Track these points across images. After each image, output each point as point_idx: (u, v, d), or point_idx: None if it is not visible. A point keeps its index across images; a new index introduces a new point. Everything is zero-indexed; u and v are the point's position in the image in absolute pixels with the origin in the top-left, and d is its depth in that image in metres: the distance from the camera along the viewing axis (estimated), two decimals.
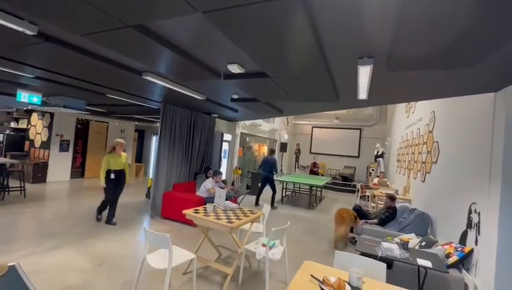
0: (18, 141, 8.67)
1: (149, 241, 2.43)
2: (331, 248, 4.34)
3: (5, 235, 3.76)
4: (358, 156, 13.51)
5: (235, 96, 4.33)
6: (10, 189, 5.83)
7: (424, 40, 1.74)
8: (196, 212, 3.13)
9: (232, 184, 8.16)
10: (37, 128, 8.44)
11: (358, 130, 13.56)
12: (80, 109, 5.42)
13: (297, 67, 2.49)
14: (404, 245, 2.62)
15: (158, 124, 5.59)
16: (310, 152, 14.42)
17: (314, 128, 14.60)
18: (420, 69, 2.25)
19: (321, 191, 9.38)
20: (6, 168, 5.80)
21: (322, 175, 12.35)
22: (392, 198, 4.73)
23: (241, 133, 8.70)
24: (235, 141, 8.26)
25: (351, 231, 4.99)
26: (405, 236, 3.68)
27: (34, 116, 8.49)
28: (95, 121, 9.29)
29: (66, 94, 5.15)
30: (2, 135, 8.65)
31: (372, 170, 10.82)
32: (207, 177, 5.64)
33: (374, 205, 7.11)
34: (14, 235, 3.79)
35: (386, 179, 8.60)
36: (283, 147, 12.80)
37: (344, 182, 11.82)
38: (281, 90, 3.34)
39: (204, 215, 3.04)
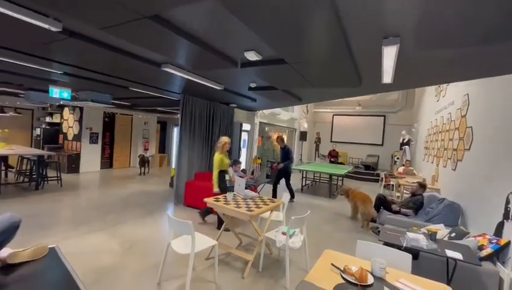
0: (53, 134, 9.33)
1: (173, 228, 2.53)
2: (352, 237, 4.27)
3: (45, 220, 4.11)
4: (382, 144, 12.96)
5: (252, 85, 4.28)
6: (48, 179, 6.33)
7: (456, 11, 1.57)
8: (217, 201, 3.20)
9: (252, 173, 8.19)
10: (69, 122, 9.01)
11: (382, 117, 12.95)
12: (106, 102, 5.69)
13: (317, 51, 2.39)
14: (431, 236, 2.49)
15: (179, 115, 5.70)
16: (331, 141, 14.07)
17: (335, 116, 14.17)
18: (453, 46, 2.06)
19: (342, 180, 9.18)
20: (45, 159, 6.28)
21: (343, 164, 12.05)
22: (422, 186, 4.55)
23: (259, 122, 8.65)
24: (254, 131, 8.24)
25: (374, 221, 4.87)
26: (433, 227, 3.50)
27: (66, 110, 9.05)
28: (120, 114, 9.72)
29: (93, 89, 5.42)
30: (39, 129, 9.34)
31: (397, 158, 10.35)
32: None
33: (398, 194, 6.83)
34: (53, 221, 4.13)
35: (412, 168, 8.20)
36: (303, 135, 12.60)
37: (367, 171, 11.45)
38: (300, 76, 3.24)
39: (225, 204, 3.09)
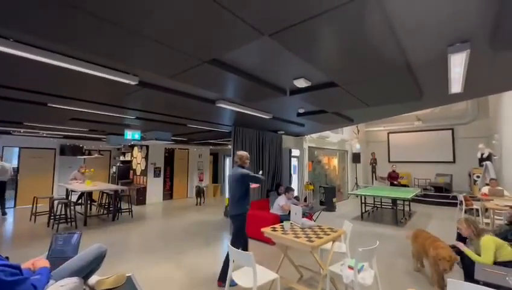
0: (125, 171, 10.66)
1: (233, 259, 2.51)
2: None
3: (121, 249, 4.56)
4: (453, 161, 11.25)
5: (301, 111, 4.31)
6: (122, 210, 7.14)
7: None
8: (274, 231, 3.11)
9: (305, 200, 7.86)
10: (137, 159, 10.26)
11: (450, 130, 11.40)
12: (167, 139, 6.39)
13: (370, 69, 2.30)
14: None
15: (230, 146, 6.00)
16: (389, 161, 12.83)
17: (390, 134, 13.05)
18: None
19: (409, 205, 8.11)
20: (119, 193, 7.16)
21: (407, 186, 10.72)
22: None
23: (308, 147, 8.52)
24: (304, 156, 8.11)
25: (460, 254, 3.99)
26: None
27: (135, 149, 10.38)
28: (179, 148, 10.69)
29: (157, 129, 6.15)
30: (115, 167, 10.82)
31: (477, 176, 8.77)
32: (279, 194, 5.64)
33: (488, 221, 5.66)
34: (127, 249, 4.55)
35: (500, 188, 6.80)
36: (356, 157, 11.84)
37: (439, 194, 9.93)
38: (352, 97, 3.13)
39: (283, 234, 2.98)
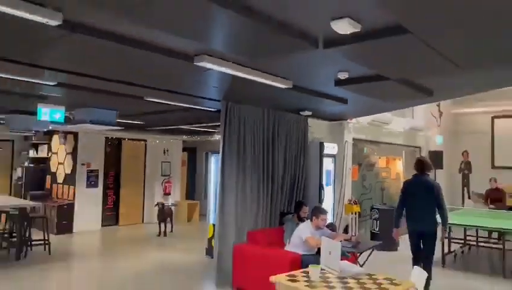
0: (38, 176, 10.80)
1: None
2: None
3: None
4: None
5: (342, 76, 4.29)
6: (32, 243, 7.25)
7: None
8: (292, 280, 3.14)
9: (346, 230, 7.87)
10: (58, 157, 10.38)
11: None
12: (109, 123, 6.44)
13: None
14: None
15: (218, 137, 5.99)
16: (493, 166, 12.77)
17: (496, 120, 12.95)
18: None
19: None
20: (28, 213, 7.25)
21: None
22: None
23: (354, 139, 8.49)
24: (345, 155, 8.08)
25: None
26: None
27: (55, 139, 10.50)
28: (129, 139, 10.83)
29: (93, 104, 6.18)
30: (20, 168, 10.94)
31: None
32: (300, 220, 5.67)
33: None
34: None
35: None
36: (435, 159, 11.73)
37: None
38: (434, 53, 3.11)
39: (308, 287, 3.01)
